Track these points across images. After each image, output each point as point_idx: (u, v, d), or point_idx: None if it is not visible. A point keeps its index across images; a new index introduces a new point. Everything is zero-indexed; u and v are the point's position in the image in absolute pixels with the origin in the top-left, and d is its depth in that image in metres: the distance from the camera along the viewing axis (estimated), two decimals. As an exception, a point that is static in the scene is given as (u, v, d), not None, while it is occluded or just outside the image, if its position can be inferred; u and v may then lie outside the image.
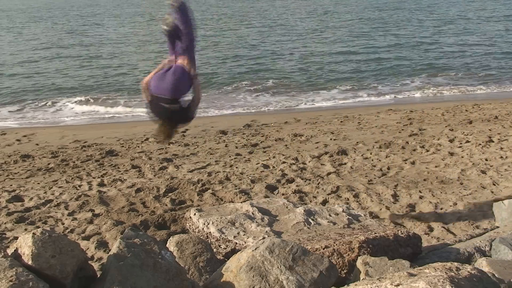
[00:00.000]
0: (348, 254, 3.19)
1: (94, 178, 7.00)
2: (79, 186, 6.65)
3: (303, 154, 7.84)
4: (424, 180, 6.44)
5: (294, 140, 9.02)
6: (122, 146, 9.05)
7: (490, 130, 8.93)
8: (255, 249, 2.75)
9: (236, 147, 8.63)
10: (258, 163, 7.41)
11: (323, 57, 19.88)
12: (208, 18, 36.34)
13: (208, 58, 20.45)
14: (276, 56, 20.54)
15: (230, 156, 7.98)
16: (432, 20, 30.27)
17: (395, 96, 14.10)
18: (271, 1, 53.29)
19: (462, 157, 7.34)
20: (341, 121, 10.67)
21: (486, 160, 7.11)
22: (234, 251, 3.45)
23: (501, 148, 7.62)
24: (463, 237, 4.20)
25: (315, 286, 2.62)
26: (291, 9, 43.10)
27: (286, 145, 8.68)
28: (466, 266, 2.30)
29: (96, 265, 4.11)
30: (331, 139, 8.96)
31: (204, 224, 3.91)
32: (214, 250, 3.59)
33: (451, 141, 8.25)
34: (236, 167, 7.27)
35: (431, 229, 4.94)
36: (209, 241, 3.71)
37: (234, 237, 3.71)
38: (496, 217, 4.61)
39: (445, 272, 2.17)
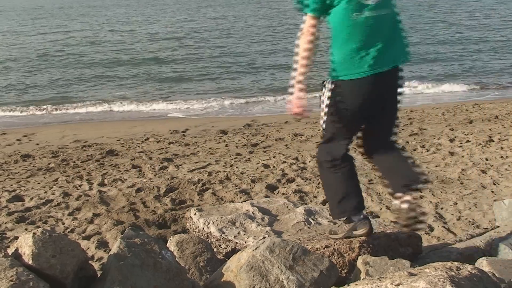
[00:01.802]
0: (349, 254, 3.19)
1: (94, 178, 7.01)
2: (80, 186, 6.65)
3: (303, 154, 7.84)
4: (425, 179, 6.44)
5: (294, 139, 9.02)
6: (123, 146, 9.05)
7: (490, 129, 8.92)
8: (256, 248, 2.75)
9: (237, 147, 8.63)
10: (259, 163, 7.41)
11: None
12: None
13: (207, 56, 20.48)
14: (275, 56, 20.54)
15: (230, 156, 7.98)
16: (434, 21, 30.26)
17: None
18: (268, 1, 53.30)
19: (463, 156, 7.33)
20: (342, 121, 10.65)
21: (487, 159, 7.11)
22: (234, 251, 3.45)
23: (502, 148, 7.61)
24: (464, 236, 4.20)
25: (315, 285, 2.62)
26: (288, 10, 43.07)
27: (286, 144, 8.68)
28: (466, 265, 2.30)
29: (96, 265, 4.11)
30: (331, 138, 8.94)
31: (205, 223, 3.91)
32: (215, 249, 3.59)
33: (451, 140, 8.25)
34: (237, 167, 7.27)
35: (431, 229, 4.94)
36: (209, 240, 3.71)
37: (235, 236, 3.71)
38: (497, 217, 4.60)
39: (446, 272, 2.17)
